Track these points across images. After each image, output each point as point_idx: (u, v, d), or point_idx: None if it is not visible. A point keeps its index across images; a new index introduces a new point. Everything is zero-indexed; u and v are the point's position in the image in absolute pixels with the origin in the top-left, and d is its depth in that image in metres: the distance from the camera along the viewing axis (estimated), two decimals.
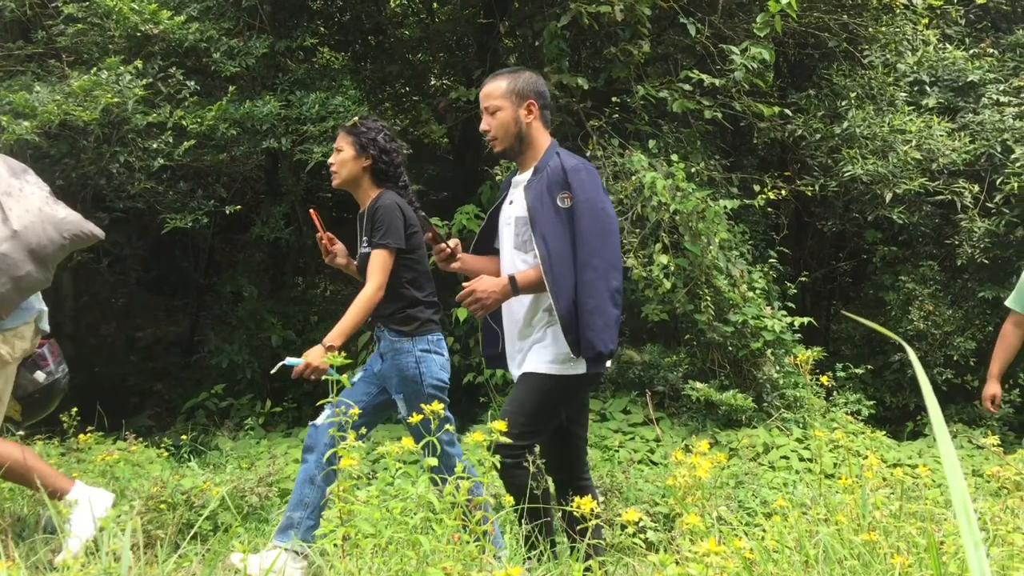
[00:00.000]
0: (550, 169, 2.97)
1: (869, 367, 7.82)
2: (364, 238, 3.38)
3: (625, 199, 6.39)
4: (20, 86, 5.89)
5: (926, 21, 8.69)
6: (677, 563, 1.90)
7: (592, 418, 6.22)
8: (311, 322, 8.11)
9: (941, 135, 7.61)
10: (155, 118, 5.98)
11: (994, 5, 9.31)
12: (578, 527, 2.17)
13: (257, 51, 6.56)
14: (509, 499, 2.60)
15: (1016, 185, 7.35)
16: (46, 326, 3.43)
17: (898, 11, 8.15)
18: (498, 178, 6.69)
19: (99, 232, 3.31)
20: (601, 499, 3.98)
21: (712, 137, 7.93)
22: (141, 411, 7.75)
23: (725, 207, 6.57)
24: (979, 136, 7.86)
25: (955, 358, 7.77)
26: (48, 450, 4.88)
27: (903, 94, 8.18)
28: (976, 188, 7.80)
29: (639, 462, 5.67)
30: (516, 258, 3.05)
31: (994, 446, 3.24)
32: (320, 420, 3.29)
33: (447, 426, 2.62)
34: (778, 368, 6.62)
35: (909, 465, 5.74)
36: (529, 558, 2.62)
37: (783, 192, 7.45)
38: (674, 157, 6.50)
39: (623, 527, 2.13)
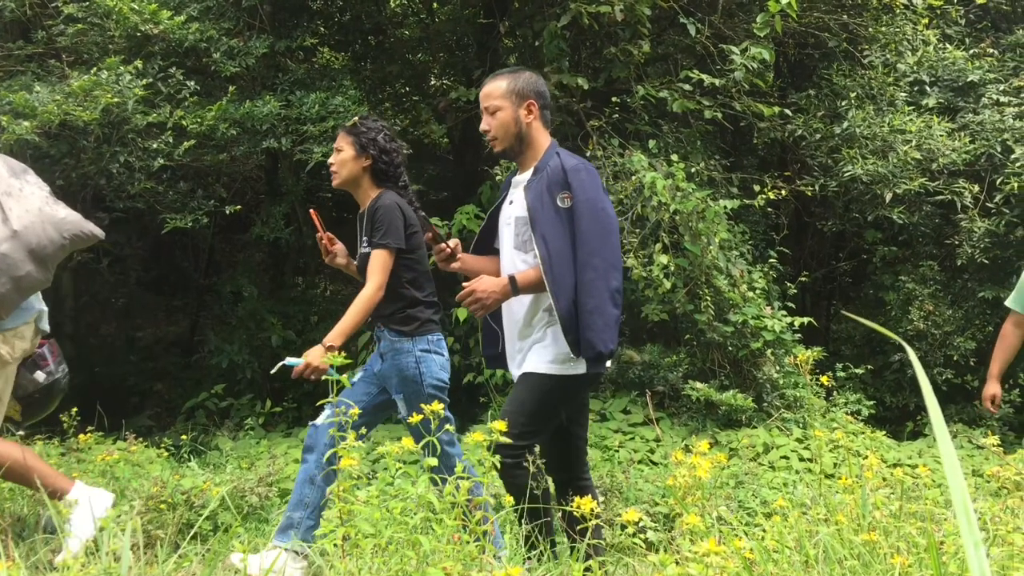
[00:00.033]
0: (550, 169, 2.97)
1: (869, 367, 7.82)
2: (364, 238, 3.38)
3: (625, 199, 6.39)
4: (20, 86, 5.89)
5: (926, 21, 8.69)
6: (677, 563, 1.90)
7: (592, 418, 6.22)
8: (311, 322, 8.11)
9: (941, 135, 7.61)
10: (155, 118, 5.98)
11: (994, 5, 9.32)
12: (578, 527, 2.17)
13: (257, 51, 6.56)
14: (509, 499, 2.60)
15: (1016, 185, 7.35)
16: (46, 326, 3.43)
17: (898, 11, 8.15)
18: (498, 178, 6.69)
19: (99, 232, 3.31)
20: (601, 499, 3.98)
21: (712, 137, 7.93)
22: (141, 411, 7.75)
23: (725, 207, 6.57)
24: (979, 136, 7.86)
25: (955, 358, 7.77)
26: (48, 450, 4.88)
27: (903, 94, 8.18)
28: (976, 188, 7.80)
29: (639, 462, 5.67)
30: (516, 258, 3.05)
31: (994, 446, 3.24)
32: (320, 420, 3.29)
33: (447, 426, 2.62)
34: (778, 368, 6.62)
35: (909, 465, 5.74)
36: (529, 558, 2.62)
37: (783, 192, 7.45)
38: (674, 157, 6.50)
39: (623, 527, 2.14)
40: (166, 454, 5.27)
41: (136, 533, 2.92)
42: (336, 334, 3.16)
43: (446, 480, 2.13)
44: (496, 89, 3.04)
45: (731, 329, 6.43)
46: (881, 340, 8.47)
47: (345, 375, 2.53)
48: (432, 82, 9.52)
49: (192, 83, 6.26)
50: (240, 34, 6.84)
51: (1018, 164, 7.44)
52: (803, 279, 7.88)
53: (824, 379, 4.27)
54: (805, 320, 6.87)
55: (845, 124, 7.70)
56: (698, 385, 6.21)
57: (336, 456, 2.12)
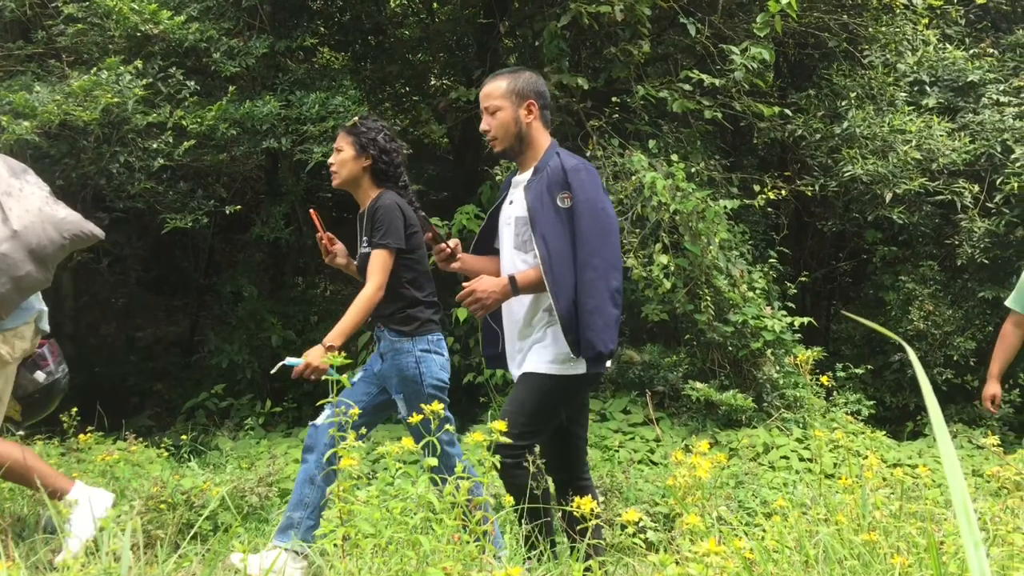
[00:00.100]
0: (550, 169, 2.97)
1: (869, 367, 7.82)
2: (364, 238, 3.38)
3: (625, 199, 6.39)
4: (20, 86, 5.89)
5: (926, 21, 8.69)
6: (677, 563, 1.90)
7: (592, 418, 6.22)
8: (311, 322, 8.11)
9: (941, 135, 7.61)
10: (155, 118, 5.98)
11: (994, 5, 9.32)
12: (578, 527, 2.17)
13: (257, 51, 6.56)
14: (509, 499, 2.60)
15: (1016, 185, 7.35)
16: (46, 326, 3.43)
17: (898, 11, 8.15)
18: (498, 178, 6.69)
19: (99, 232, 3.31)
20: (601, 499, 3.98)
21: (712, 137, 7.93)
22: (141, 411, 7.75)
23: (725, 207, 6.57)
24: (979, 136, 7.86)
25: (955, 358, 7.77)
26: (48, 450, 4.88)
27: (903, 94, 8.18)
28: (976, 188, 7.80)
29: (639, 462, 5.67)
30: (516, 258, 3.05)
31: (994, 446, 3.24)
32: (320, 420, 3.29)
33: (447, 426, 2.62)
34: (778, 368, 6.62)
35: (909, 465, 5.74)
36: (529, 558, 2.63)
37: (783, 192, 7.45)
38: (674, 157, 6.50)
39: (623, 527, 2.14)
40: (166, 454, 5.27)
41: (136, 533, 2.92)
42: (336, 334, 3.16)
43: (446, 480, 2.13)
44: (496, 89, 3.04)
45: (731, 329, 6.43)
46: (881, 340, 8.47)
47: (345, 375, 2.53)
48: (432, 82, 9.52)
49: (192, 83, 6.26)
50: (240, 34, 6.84)
51: (1018, 164, 7.44)
52: (803, 279, 7.88)
53: (824, 379, 4.27)
54: (805, 320, 6.87)
55: (845, 124, 7.70)
56: (698, 385, 6.21)
57: (336, 456, 2.12)
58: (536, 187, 2.96)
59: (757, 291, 6.73)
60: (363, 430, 3.23)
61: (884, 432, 6.58)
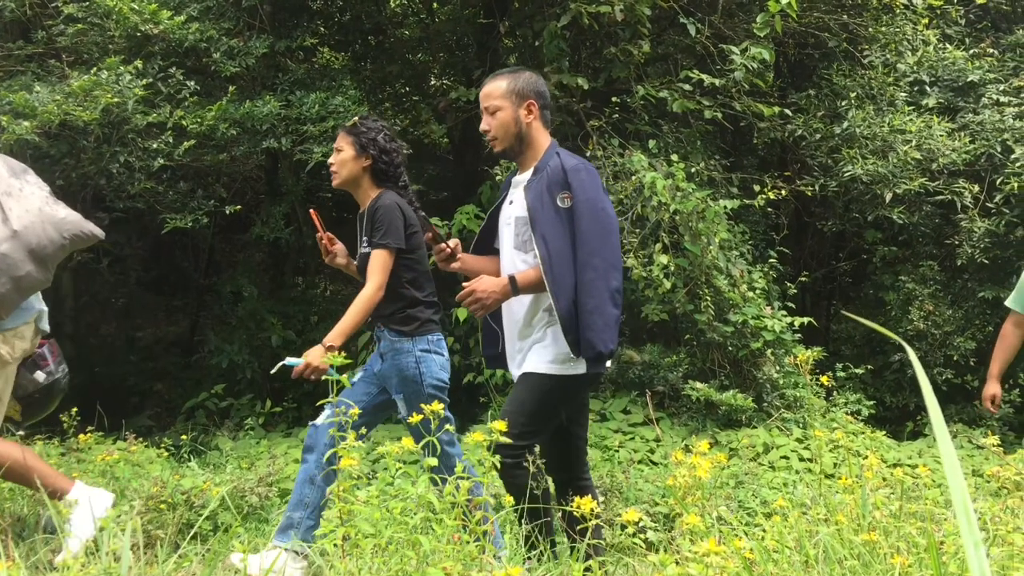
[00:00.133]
0: (550, 169, 2.97)
1: (869, 367, 7.82)
2: (364, 238, 3.38)
3: (625, 199, 6.39)
4: (20, 86, 5.89)
5: (926, 21, 8.69)
6: (677, 563, 1.90)
7: (592, 418, 6.22)
8: (311, 322, 8.11)
9: (941, 135, 7.61)
10: (155, 118, 5.98)
11: (994, 5, 9.32)
12: (578, 527, 2.17)
13: (257, 51, 6.56)
14: (509, 499, 2.60)
15: (1016, 185, 7.35)
16: (46, 326, 3.43)
17: (898, 11, 8.15)
18: (498, 178, 6.69)
19: (99, 232, 3.31)
20: (601, 499, 3.98)
21: (712, 137, 7.93)
22: (141, 411, 7.75)
23: (725, 207, 6.57)
24: (979, 136, 7.86)
25: (955, 358, 7.77)
26: (48, 450, 4.88)
27: (903, 94, 8.18)
28: (976, 188, 7.80)
29: (639, 462, 5.67)
30: (516, 258, 3.05)
31: (994, 446, 3.24)
32: (320, 420, 3.29)
33: (447, 426, 2.62)
34: (778, 368, 6.62)
35: (909, 465, 5.74)
36: (529, 558, 2.63)
37: (783, 192, 7.45)
38: (674, 157, 6.50)
39: (623, 527, 2.14)
40: (166, 454, 5.27)
41: (136, 533, 2.92)
42: (336, 334, 3.16)
43: (446, 480, 2.13)
44: (496, 89, 3.04)
45: (731, 329, 6.43)
46: (881, 340, 8.47)
47: (345, 375, 2.53)
48: (432, 82, 9.52)
49: (192, 83, 6.26)
50: (240, 34, 6.84)
51: (1018, 164, 7.44)
52: (803, 279, 7.88)
53: (824, 379, 4.27)
54: (805, 320, 6.87)
55: (845, 124, 7.70)
56: (698, 385, 6.21)
57: (336, 456, 2.12)
58: (536, 187, 2.96)
59: (757, 291, 6.73)
60: (363, 430, 3.23)
61: (884, 432, 6.58)
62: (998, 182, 7.64)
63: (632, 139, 7.04)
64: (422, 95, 9.12)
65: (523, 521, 2.81)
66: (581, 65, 7.33)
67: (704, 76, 6.71)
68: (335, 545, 2.13)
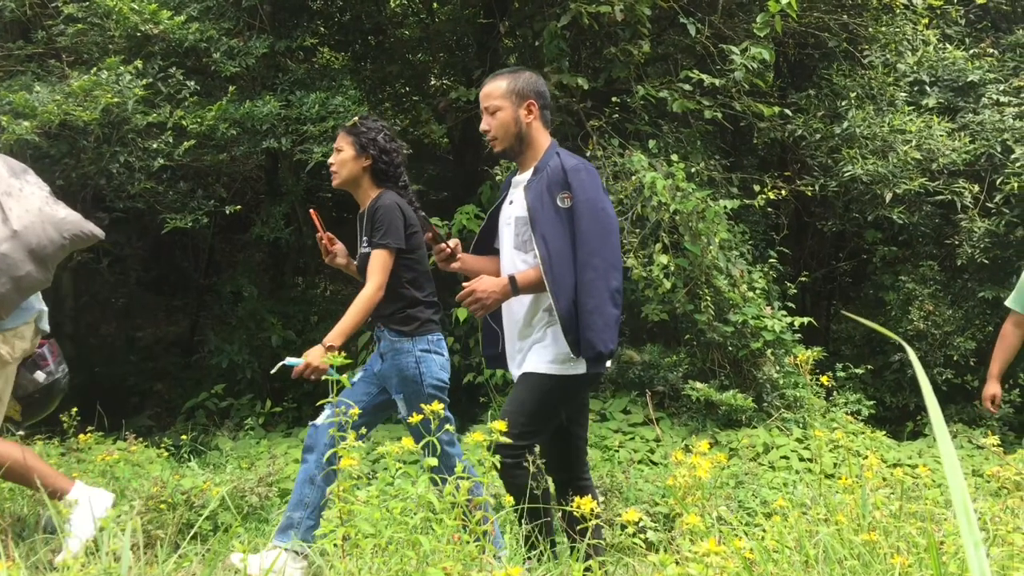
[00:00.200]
0: (550, 169, 2.97)
1: (869, 367, 7.82)
2: (364, 238, 3.38)
3: (625, 199, 6.39)
4: (20, 86, 5.89)
5: (926, 21, 8.69)
6: (677, 563, 1.90)
7: (592, 418, 6.22)
8: (311, 322, 8.11)
9: (941, 135, 7.61)
10: (155, 118, 5.98)
11: (994, 5, 9.32)
12: (578, 527, 2.17)
13: (257, 51, 6.56)
14: (509, 499, 2.59)
15: (1016, 185, 7.35)
16: (46, 326, 3.43)
17: (898, 11, 8.15)
18: (498, 178, 6.69)
19: (99, 232, 3.31)
20: (601, 499, 3.98)
21: (712, 137, 7.93)
22: (141, 411, 7.75)
23: (725, 207, 6.57)
24: (979, 136, 7.86)
25: (955, 358, 7.77)
26: (48, 450, 4.88)
27: (903, 94, 8.18)
28: (976, 188, 7.80)
29: (639, 462, 5.67)
30: (516, 258, 3.04)
31: (994, 446, 3.24)
32: (320, 420, 3.29)
33: (447, 426, 2.62)
34: (778, 368, 6.62)
35: (909, 465, 5.74)
36: (529, 558, 2.63)
37: (783, 192, 7.45)
38: (674, 157, 6.50)
39: (623, 527, 2.14)
40: (166, 454, 5.27)
41: (136, 533, 2.92)
42: (336, 334, 3.16)
43: (446, 480, 2.13)
44: (496, 89, 3.04)
45: (731, 329, 6.43)
46: (881, 340, 8.47)
47: (345, 375, 2.53)
48: (432, 82, 9.52)
49: (192, 83, 6.26)
50: (240, 34, 6.84)
51: (1018, 164, 7.44)
52: (803, 279, 7.88)
53: (824, 379, 4.27)
54: (805, 320, 6.87)
55: (845, 124, 7.70)
56: (698, 385, 6.21)
57: (336, 456, 2.12)
58: (536, 187, 2.96)
59: (757, 291, 6.73)
60: (363, 430, 3.23)
61: (884, 432, 6.58)
62: (998, 182, 7.64)
63: (632, 139, 7.04)
64: (422, 95, 9.12)
65: (523, 521, 2.81)
66: (581, 65, 7.33)
67: (704, 76, 6.71)
68: (335, 545, 2.13)
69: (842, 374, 7.39)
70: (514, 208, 3.06)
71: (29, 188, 3.19)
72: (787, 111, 7.60)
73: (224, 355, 7.37)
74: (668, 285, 6.13)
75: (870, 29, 8.09)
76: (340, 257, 3.54)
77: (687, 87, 6.86)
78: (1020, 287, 4.29)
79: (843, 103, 7.94)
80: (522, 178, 3.06)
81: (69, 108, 5.59)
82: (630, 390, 6.58)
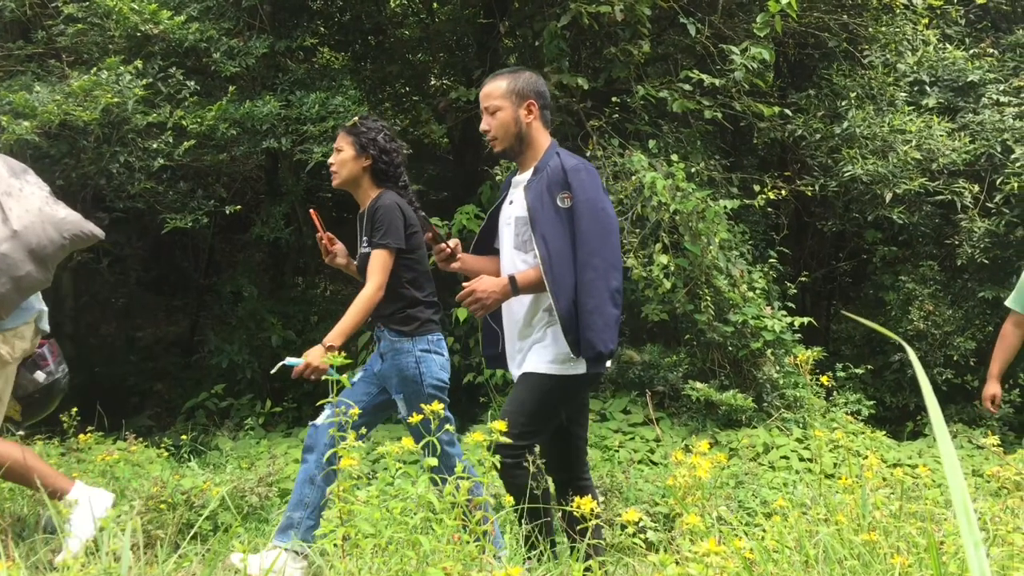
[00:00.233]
0: (550, 169, 2.97)
1: (869, 367, 7.82)
2: (364, 238, 3.38)
3: (625, 199, 6.39)
4: (20, 86, 5.89)
5: (926, 21, 8.69)
6: (677, 563, 1.90)
7: (592, 418, 6.22)
8: (311, 322, 8.11)
9: (941, 135, 7.61)
10: (155, 118, 5.98)
11: (994, 5, 9.31)
12: (578, 527, 2.17)
13: (257, 51, 6.56)
14: (509, 499, 2.59)
15: (1016, 185, 7.35)
16: (46, 326, 3.43)
17: (898, 11, 8.15)
18: (498, 178, 6.69)
19: (99, 232, 3.31)
20: (601, 499, 3.98)
21: (712, 137, 7.93)
22: (141, 411, 7.75)
23: (725, 207, 6.57)
24: (979, 136, 7.86)
25: (955, 358, 7.77)
26: (48, 450, 4.88)
27: (903, 94, 8.18)
28: (976, 188, 7.80)
29: (639, 462, 5.67)
30: (516, 258, 3.04)
31: (994, 446, 3.24)
32: (320, 420, 3.29)
33: (447, 426, 2.62)
34: (778, 368, 6.62)
35: (909, 465, 5.74)
36: (529, 558, 2.63)
37: (783, 192, 7.45)
38: (674, 157, 6.50)
39: (623, 527, 2.14)
40: (166, 454, 5.27)
41: (136, 533, 2.92)
42: (336, 334, 3.16)
43: (446, 480, 2.13)
44: (496, 89, 3.03)
45: (731, 329, 6.43)
46: (881, 340, 8.47)
47: (345, 375, 2.53)
48: (432, 82, 9.52)
49: (192, 83, 6.26)
50: (240, 34, 6.84)
51: (1018, 164, 7.44)
52: (803, 279, 7.88)
53: (824, 379, 4.26)
54: (805, 320, 6.87)
55: (845, 124, 7.70)
56: (698, 385, 6.21)
57: (336, 456, 2.12)
58: (536, 187, 2.96)
59: (757, 291, 6.73)
60: (363, 430, 3.23)
61: (884, 432, 6.58)
62: (998, 182, 7.64)
63: (632, 139, 7.04)
64: (422, 95, 9.12)
65: (523, 521, 2.81)
66: (581, 65, 7.33)
67: (704, 76, 6.71)
68: (335, 545, 2.13)
69: (842, 374, 7.39)
70: (514, 208, 3.06)
71: (29, 188, 3.19)
72: (787, 111, 7.60)
73: (224, 355, 7.37)
74: (668, 285, 6.13)
75: (870, 29, 8.09)
76: (340, 257, 3.54)
77: (687, 87, 6.86)
78: (1020, 287, 4.29)
79: (843, 103, 7.94)
80: (522, 178, 3.06)
81: (69, 108, 5.59)
82: (630, 390, 6.58)
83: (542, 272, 2.87)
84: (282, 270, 8.90)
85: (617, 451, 5.80)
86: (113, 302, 9.16)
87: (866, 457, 3.92)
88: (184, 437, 5.88)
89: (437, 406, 2.32)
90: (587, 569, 2.11)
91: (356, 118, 3.51)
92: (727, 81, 6.76)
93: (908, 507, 2.44)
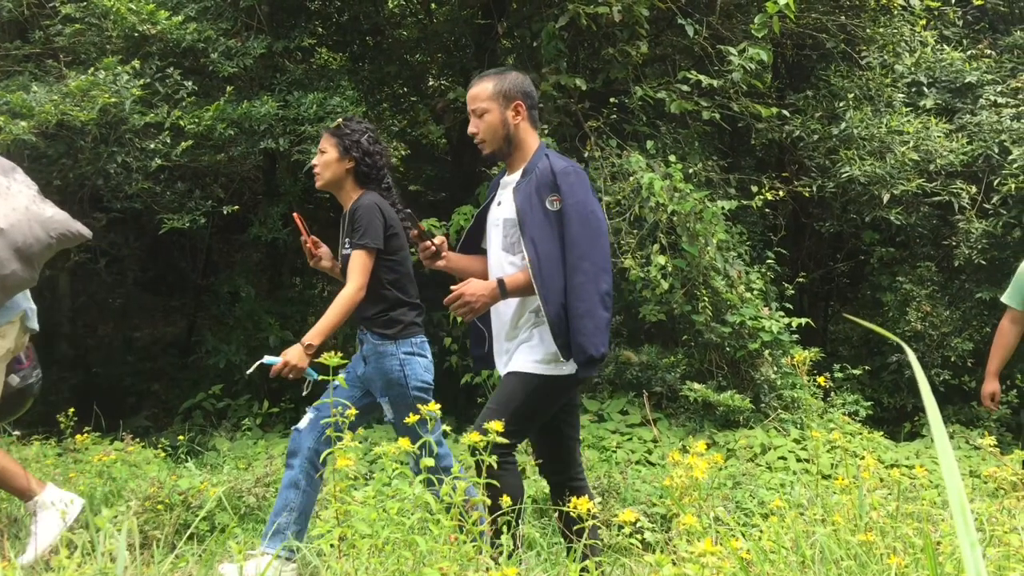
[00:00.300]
0: (539, 171, 2.95)
1: (866, 368, 7.82)
2: (345, 239, 3.37)
3: (623, 200, 6.39)
4: (17, 86, 5.88)
5: (924, 22, 8.70)
6: (674, 563, 1.90)
7: (590, 419, 6.22)
8: (308, 322, 8.08)
9: (939, 136, 7.61)
10: (152, 118, 5.97)
11: (992, 6, 9.33)
12: (575, 527, 2.16)
13: (255, 51, 6.55)
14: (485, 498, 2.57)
15: (1013, 186, 7.36)
16: (35, 325, 3.40)
17: (896, 12, 8.15)
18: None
19: (86, 232, 3.29)
20: (598, 500, 3.97)
21: (710, 138, 7.93)
22: (138, 411, 7.74)
23: (723, 208, 6.57)
24: (976, 137, 7.86)
25: (952, 359, 7.77)
26: (45, 450, 4.87)
27: (901, 95, 8.18)
28: (973, 189, 7.80)
29: (636, 463, 5.67)
30: (504, 260, 3.02)
31: (991, 447, 3.24)
32: (302, 424, 3.28)
33: (432, 425, 2.61)
34: (775, 369, 6.62)
35: (906, 466, 5.74)
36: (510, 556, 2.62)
37: (781, 193, 7.45)
38: (672, 158, 6.51)
39: (620, 527, 2.13)
40: (163, 454, 5.26)
41: (132, 533, 2.91)
42: (315, 332, 3.15)
43: (441, 480, 2.13)
44: (483, 91, 3.01)
45: (729, 330, 6.43)
46: (879, 341, 8.48)
47: (340, 375, 2.53)
48: (430, 83, 9.51)
49: (190, 83, 6.25)
50: (238, 34, 6.84)
51: (1015, 165, 7.44)
52: (801, 280, 7.88)
53: (821, 380, 4.26)
54: (803, 321, 6.87)
55: (843, 125, 7.71)
56: (696, 386, 6.21)
57: (328, 457, 2.12)
58: (525, 189, 2.94)
59: (755, 292, 6.73)
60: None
61: (881, 433, 6.58)
62: (995, 183, 7.65)
63: (630, 140, 7.04)
64: (420, 96, 9.11)
65: (518, 521, 2.80)
66: (579, 66, 7.33)
67: (702, 77, 6.71)
68: (332, 545, 2.12)
69: (839, 375, 7.39)
70: (502, 210, 3.05)
71: (16, 186, 3.17)
72: (785, 112, 7.61)
73: (221, 355, 7.36)
74: (666, 286, 6.13)
75: (868, 30, 8.09)
76: (325, 260, 3.54)
77: (685, 88, 6.87)
78: (1016, 283, 4.30)
79: (841, 104, 7.95)
80: (510, 179, 3.04)
81: (66, 108, 5.58)
82: (628, 391, 6.58)
83: (531, 275, 2.86)
84: (279, 270, 8.90)
85: (615, 452, 5.79)
86: (110, 302, 9.15)
87: (863, 458, 3.92)
88: (181, 437, 5.87)
89: (433, 406, 2.32)
90: (584, 569, 2.10)
91: (340, 120, 3.51)
92: (725, 82, 6.76)
93: (905, 508, 2.44)
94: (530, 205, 2.91)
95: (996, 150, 7.73)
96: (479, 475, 2.27)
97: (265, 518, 4.36)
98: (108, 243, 7.92)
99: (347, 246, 3.34)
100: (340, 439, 2.27)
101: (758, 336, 6.46)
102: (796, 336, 6.80)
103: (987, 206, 7.85)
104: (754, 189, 7.23)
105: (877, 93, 8.10)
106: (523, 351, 2.96)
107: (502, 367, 3.07)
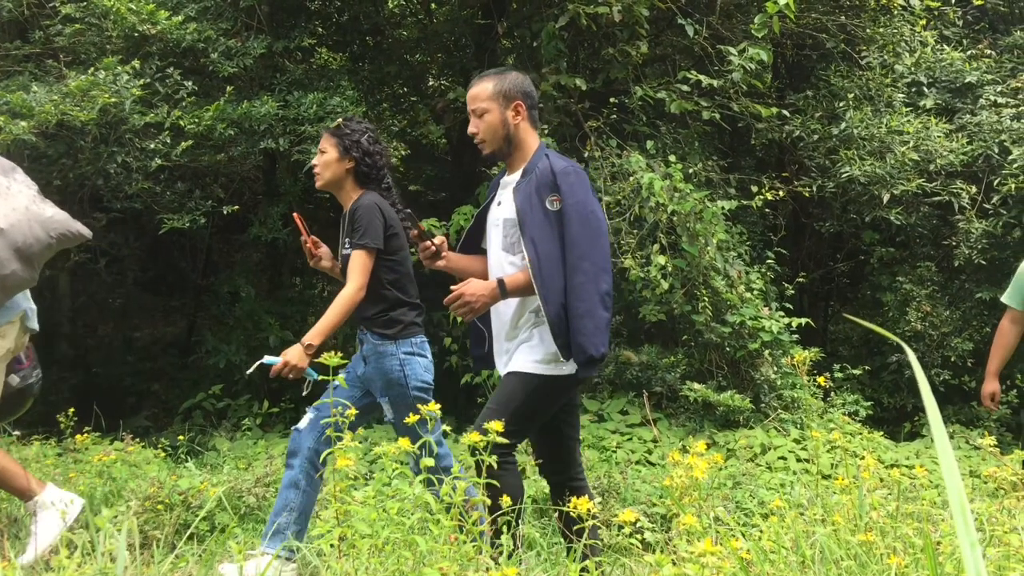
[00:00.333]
0: (539, 171, 2.95)
1: (866, 368, 7.82)
2: (345, 239, 3.37)
3: (623, 200, 6.39)
4: (17, 86, 5.88)
5: (924, 22, 8.70)
6: (674, 563, 1.90)
7: (590, 419, 6.22)
8: (309, 322, 8.08)
9: (939, 136, 7.61)
10: (152, 118, 5.97)
11: (992, 6, 9.33)
12: (575, 527, 2.17)
13: (255, 51, 6.55)
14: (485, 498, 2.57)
15: (1013, 186, 7.36)
16: (35, 325, 3.40)
17: (896, 12, 8.15)
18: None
19: (86, 232, 3.29)
20: (599, 500, 3.97)
21: (710, 138, 7.93)
22: (138, 411, 7.74)
23: (723, 208, 6.57)
24: (976, 137, 7.86)
25: (952, 359, 7.77)
26: (45, 450, 4.87)
27: (901, 95, 8.18)
28: (973, 189, 7.80)
29: (636, 463, 5.67)
30: (504, 260, 3.02)
31: (991, 447, 3.24)
32: (302, 424, 3.28)
33: (433, 425, 2.61)
34: (776, 369, 6.62)
35: (906, 466, 5.74)
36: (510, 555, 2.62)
37: (781, 193, 7.45)
38: (672, 158, 6.50)
39: (620, 527, 2.13)
40: (163, 454, 5.26)
41: (132, 533, 2.91)
42: (315, 332, 3.15)
43: (441, 480, 2.13)
44: (483, 91, 3.01)
45: (729, 330, 6.43)
46: (879, 341, 8.47)
47: (340, 375, 2.53)
48: (430, 83, 9.51)
49: (190, 83, 6.25)
50: (238, 34, 6.84)
51: (1015, 165, 7.44)
52: (801, 280, 7.88)
53: (821, 380, 4.26)
54: (803, 321, 6.87)
55: (843, 125, 7.71)
56: (696, 386, 6.21)
57: (328, 456, 2.12)
58: (525, 189, 2.94)
59: (755, 292, 6.73)
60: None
61: (881, 433, 6.58)
62: (995, 183, 7.65)
63: (630, 140, 7.04)
64: (420, 96, 9.11)
65: (518, 521, 2.80)
66: (579, 66, 7.33)
67: (702, 77, 6.71)
68: (332, 545, 2.13)
69: (839, 375, 7.39)
70: (502, 210, 3.04)
71: (16, 186, 3.17)
72: (785, 112, 7.61)
73: (221, 355, 7.35)
74: (666, 286, 6.13)
75: (868, 30, 8.09)
76: (325, 260, 3.54)
77: (685, 88, 6.87)
78: (1015, 283, 4.30)
79: (841, 104, 7.95)
80: (510, 179, 3.04)
81: (66, 108, 5.58)
82: (628, 391, 6.58)
83: (531, 275, 2.86)
84: (279, 270, 8.90)
85: (615, 452, 5.79)
86: (110, 302, 9.15)
87: (863, 458, 3.92)
88: (181, 437, 5.87)
89: (433, 406, 2.32)
90: (584, 569, 2.11)
91: (340, 120, 3.51)
92: (725, 82, 6.76)
93: (905, 508, 2.44)
94: (530, 205, 2.91)
95: (996, 150, 7.73)
96: (479, 475, 2.27)
97: (265, 518, 4.36)
98: (108, 243, 7.92)
99: (347, 246, 3.34)
100: (340, 439, 2.27)
101: (758, 336, 6.46)
102: (796, 336, 6.80)
103: (987, 206, 7.85)
104: (754, 189, 7.23)
105: (877, 93, 8.10)
106: (523, 351, 2.96)
107: (502, 367, 3.07)
